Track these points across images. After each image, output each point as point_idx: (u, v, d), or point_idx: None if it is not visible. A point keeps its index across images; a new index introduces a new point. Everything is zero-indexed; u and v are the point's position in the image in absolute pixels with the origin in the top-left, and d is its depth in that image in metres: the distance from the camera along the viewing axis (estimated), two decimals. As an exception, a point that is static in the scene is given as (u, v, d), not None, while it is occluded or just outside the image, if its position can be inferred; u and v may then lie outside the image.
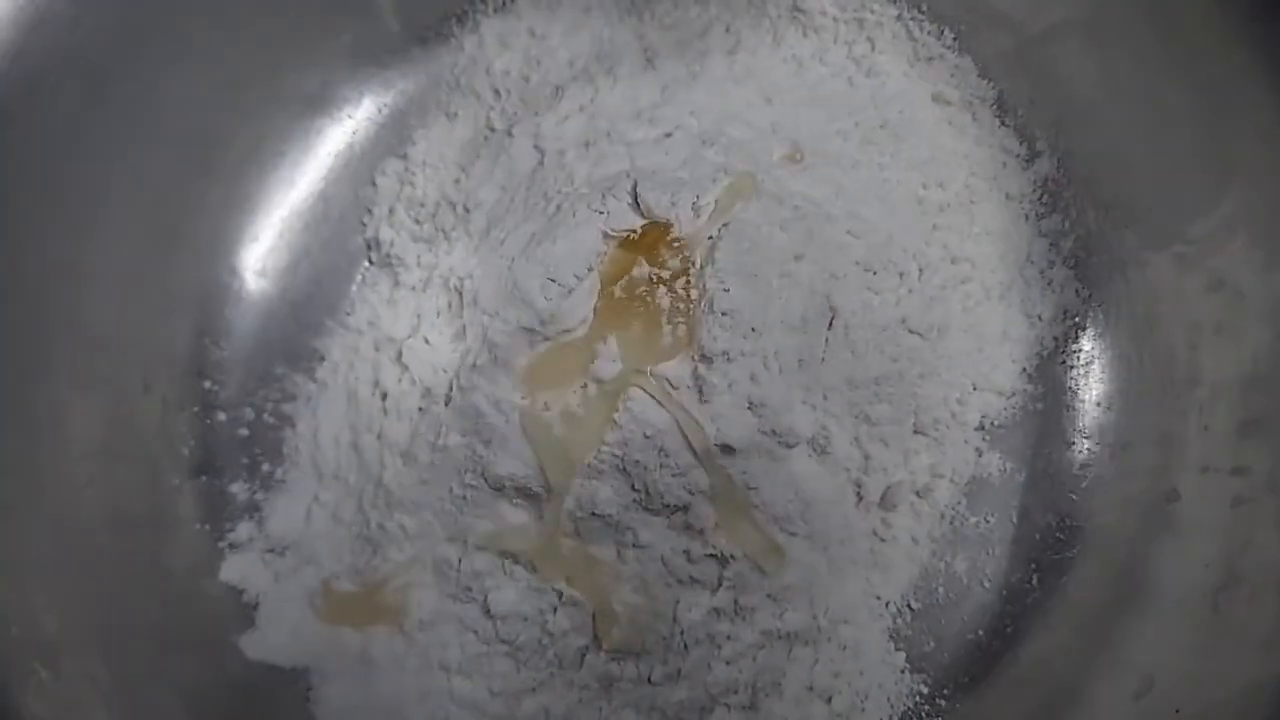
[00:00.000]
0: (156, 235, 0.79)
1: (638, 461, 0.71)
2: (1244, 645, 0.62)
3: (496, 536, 0.74)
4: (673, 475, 0.71)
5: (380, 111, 0.88)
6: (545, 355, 0.74)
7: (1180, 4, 0.71)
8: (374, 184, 0.87)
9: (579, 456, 0.72)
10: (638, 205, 0.74)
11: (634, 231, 0.74)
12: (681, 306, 0.73)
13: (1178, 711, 0.62)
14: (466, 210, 0.82)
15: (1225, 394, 0.70)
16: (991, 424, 0.79)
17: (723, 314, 0.71)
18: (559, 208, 0.76)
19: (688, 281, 0.73)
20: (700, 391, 0.71)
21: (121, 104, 0.74)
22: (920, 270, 0.78)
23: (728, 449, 0.71)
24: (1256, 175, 0.69)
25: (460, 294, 0.78)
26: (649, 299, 0.74)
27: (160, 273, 0.80)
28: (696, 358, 0.72)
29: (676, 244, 0.74)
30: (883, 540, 0.76)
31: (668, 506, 0.72)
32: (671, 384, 0.72)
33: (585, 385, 0.73)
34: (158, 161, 0.78)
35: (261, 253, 0.85)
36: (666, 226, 0.74)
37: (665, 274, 0.74)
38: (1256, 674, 0.60)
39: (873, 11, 0.86)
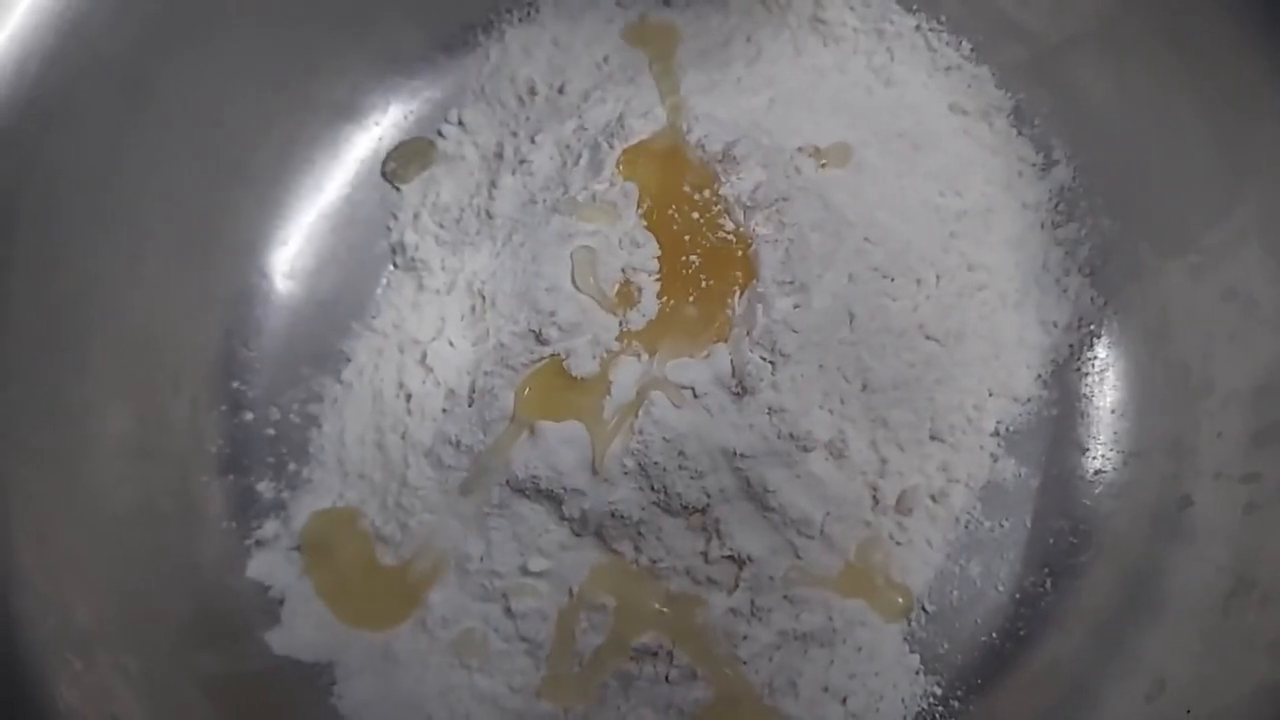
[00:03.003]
0: (189, 239, 0.80)
1: (657, 463, 0.72)
2: (1254, 649, 0.63)
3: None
4: (691, 477, 0.72)
5: (406, 119, 0.89)
6: (562, 360, 0.75)
7: (1194, 16, 0.72)
8: (399, 189, 0.88)
9: (599, 458, 0.73)
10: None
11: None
12: (701, 312, 0.75)
13: (1189, 712, 0.62)
14: (489, 216, 0.82)
15: (1238, 401, 0.70)
16: (1007, 430, 0.79)
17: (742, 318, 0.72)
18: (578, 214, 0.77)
19: (707, 287, 0.75)
20: (719, 395, 0.73)
21: (156, 110, 0.76)
22: (937, 277, 0.79)
23: (746, 453, 0.72)
24: (1269, 185, 0.69)
25: (483, 297, 0.79)
26: (667, 304, 0.75)
27: (192, 275, 0.81)
28: (716, 362, 0.73)
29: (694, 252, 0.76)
30: (898, 544, 0.76)
31: (686, 508, 0.73)
32: (691, 388, 0.73)
33: (605, 389, 0.74)
34: (191, 167, 0.79)
35: (290, 256, 0.86)
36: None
37: (682, 279, 0.75)
38: (1266, 677, 0.61)
39: (892, 22, 0.87)
